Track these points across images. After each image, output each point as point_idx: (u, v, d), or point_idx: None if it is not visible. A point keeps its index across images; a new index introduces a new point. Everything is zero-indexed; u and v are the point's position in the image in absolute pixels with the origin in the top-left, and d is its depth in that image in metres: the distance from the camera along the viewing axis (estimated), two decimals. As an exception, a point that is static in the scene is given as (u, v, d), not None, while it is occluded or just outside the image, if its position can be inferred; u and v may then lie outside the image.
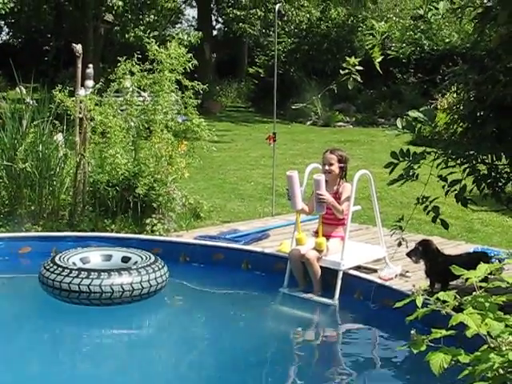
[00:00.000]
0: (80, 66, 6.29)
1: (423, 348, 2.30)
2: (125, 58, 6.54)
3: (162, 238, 5.96)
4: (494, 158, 4.44)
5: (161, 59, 6.46)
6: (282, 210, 7.36)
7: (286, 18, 21.36)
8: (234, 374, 3.93)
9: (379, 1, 23.16)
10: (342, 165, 5.23)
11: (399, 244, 4.58)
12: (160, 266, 4.76)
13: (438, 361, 2.20)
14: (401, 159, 4.28)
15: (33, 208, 6.25)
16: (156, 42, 6.62)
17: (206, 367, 4.07)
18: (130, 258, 4.92)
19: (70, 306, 4.56)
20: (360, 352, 4.43)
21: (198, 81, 6.72)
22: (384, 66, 4.51)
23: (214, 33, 28.98)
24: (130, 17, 19.52)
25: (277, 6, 8.28)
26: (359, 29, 20.33)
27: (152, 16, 20.52)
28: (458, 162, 4.39)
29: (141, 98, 6.81)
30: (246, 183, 9.49)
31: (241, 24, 22.02)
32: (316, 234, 5.17)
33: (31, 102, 6.74)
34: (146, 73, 6.53)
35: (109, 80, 6.70)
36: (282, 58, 19.92)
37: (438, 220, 4.53)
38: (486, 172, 4.47)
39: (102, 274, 4.51)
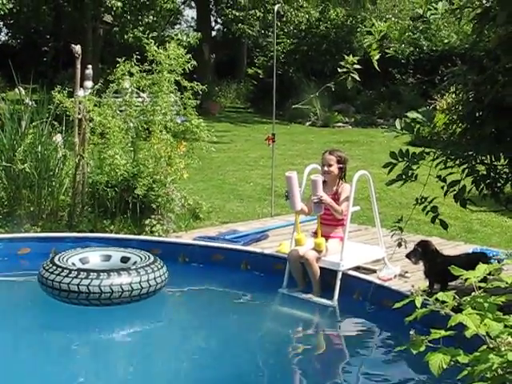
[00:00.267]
0: (79, 66, 6.29)
1: (422, 348, 2.30)
2: (124, 58, 6.54)
3: (161, 239, 5.96)
4: (493, 159, 4.44)
5: (160, 60, 6.46)
6: (281, 211, 7.36)
7: (284, 19, 21.39)
8: (233, 374, 3.93)
9: (378, 1, 23.18)
10: (341, 165, 5.23)
11: (399, 245, 4.57)
12: (159, 266, 4.76)
13: (437, 361, 2.20)
14: (400, 159, 4.28)
15: (32, 209, 6.24)
16: (155, 43, 6.62)
17: (205, 368, 4.06)
18: (129, 258, 4.92)
19: (69, 307, 4.56)
20: (359, 353, 4.43)
21: (197, 81, 6.72)
22: (383, 66, 4.51)
23: (213, 33, 29.00)
24: (128, 18, 19.54)
25: (276, 7, 8.29)
26: (358, 29, 20.36)
27: (151, 17, 20.54)
28: (457, 162, 4.38)
29: (140, 99, 6.81)
30: (245, 184, 9.49)
31: (240, 25, 22.05)
32: (315, 234, 5.18)
33: (30, 103, 6.75)
34: (145, 73, 6.53)
35: (108, 81, 6.70)
36: (281, 58, 19.93)
37: (437, 220, 4.53)
38: (484, 172, 4.47)
39: (101, 274, 4.51)
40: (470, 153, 4.36)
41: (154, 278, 4.64)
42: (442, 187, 4.48)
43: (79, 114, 6.28)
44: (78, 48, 6.23)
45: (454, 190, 4.45)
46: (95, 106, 6.37)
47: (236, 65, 28.49)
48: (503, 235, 6.97)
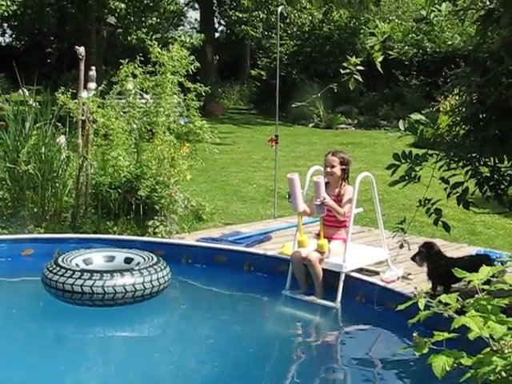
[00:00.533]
0: (83, 68, 6.30)
1: (425, 350, 2.30)
2: (127, 60, 6.55)
3: (164, 240, 5.96)
4: (497, 161, 4.43)
5: (163, 61, 6.47)
6: (284, 213, 7.36)
7: (288, 21, 21.41)
8: (235, 375, 3.93)
9: (381, 3, 23.20)
10: (344, 167, 5.23)
11: (401, 246, 4.57)
12: (162, 267, 4.76)
13: (441, 363, 2.20)
14: (403, 161, 4.27)
15: (35, 210, 6.26)
16: (158, 45, 6.62)
17: (208, 368, 4.06)
18: (132, 259, 4.93)
19: (72, 307, 4.57)
20: (362, 354, 4.42)
21: (200, 83, 6.73)
22: (386, 68, 4.50)
23: (217, 35, 29.04)
24: (132, 19, 19.58)
25: (279, 9, 8.31)
26: (361, 31, 20.36)
27: (154, 18, 20.59)
28: (460, 164, 4.38)
29: (143, 101, 6.82)
30: (248, 185, 9.50)
31: (243, 26, 22.05)
32: (318, 236, 5.17)
33: (34, 105, 6.76)
34: (148, 75, 6.54)
35: (111, 82, 6.71)
36: (284, 60, 19.95)
37: (440, 222, 4.52)
38: (488, 174, 4.46)
39: (105, 275, 4.52)
40: (474, 155, 4.36)
41: (158, 279, 4.64)
42: (445, 189, 4.47)
43: (83, 115, 6.29)
44: (81, 50, 6.24)
45: (457, 192, 4.44)
46: (99, 107, 6.38)
47: (239, 66, 28.51)
48: (507, 237, 6.96)
